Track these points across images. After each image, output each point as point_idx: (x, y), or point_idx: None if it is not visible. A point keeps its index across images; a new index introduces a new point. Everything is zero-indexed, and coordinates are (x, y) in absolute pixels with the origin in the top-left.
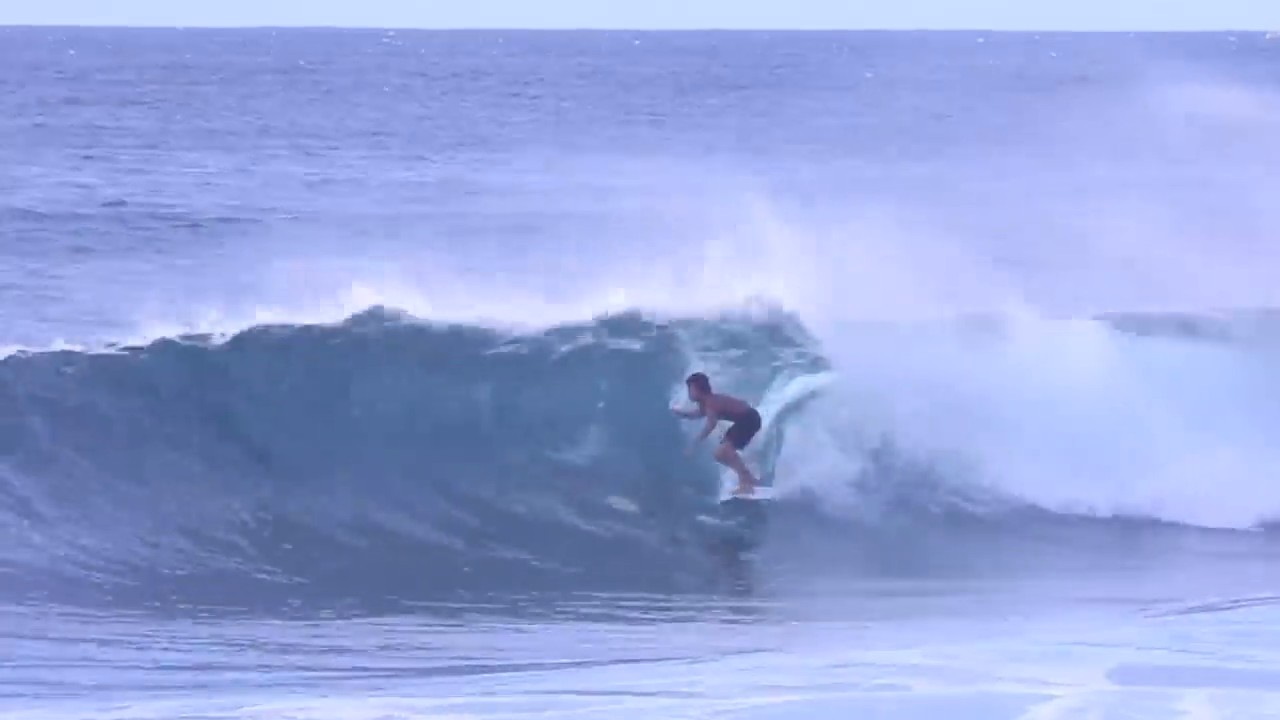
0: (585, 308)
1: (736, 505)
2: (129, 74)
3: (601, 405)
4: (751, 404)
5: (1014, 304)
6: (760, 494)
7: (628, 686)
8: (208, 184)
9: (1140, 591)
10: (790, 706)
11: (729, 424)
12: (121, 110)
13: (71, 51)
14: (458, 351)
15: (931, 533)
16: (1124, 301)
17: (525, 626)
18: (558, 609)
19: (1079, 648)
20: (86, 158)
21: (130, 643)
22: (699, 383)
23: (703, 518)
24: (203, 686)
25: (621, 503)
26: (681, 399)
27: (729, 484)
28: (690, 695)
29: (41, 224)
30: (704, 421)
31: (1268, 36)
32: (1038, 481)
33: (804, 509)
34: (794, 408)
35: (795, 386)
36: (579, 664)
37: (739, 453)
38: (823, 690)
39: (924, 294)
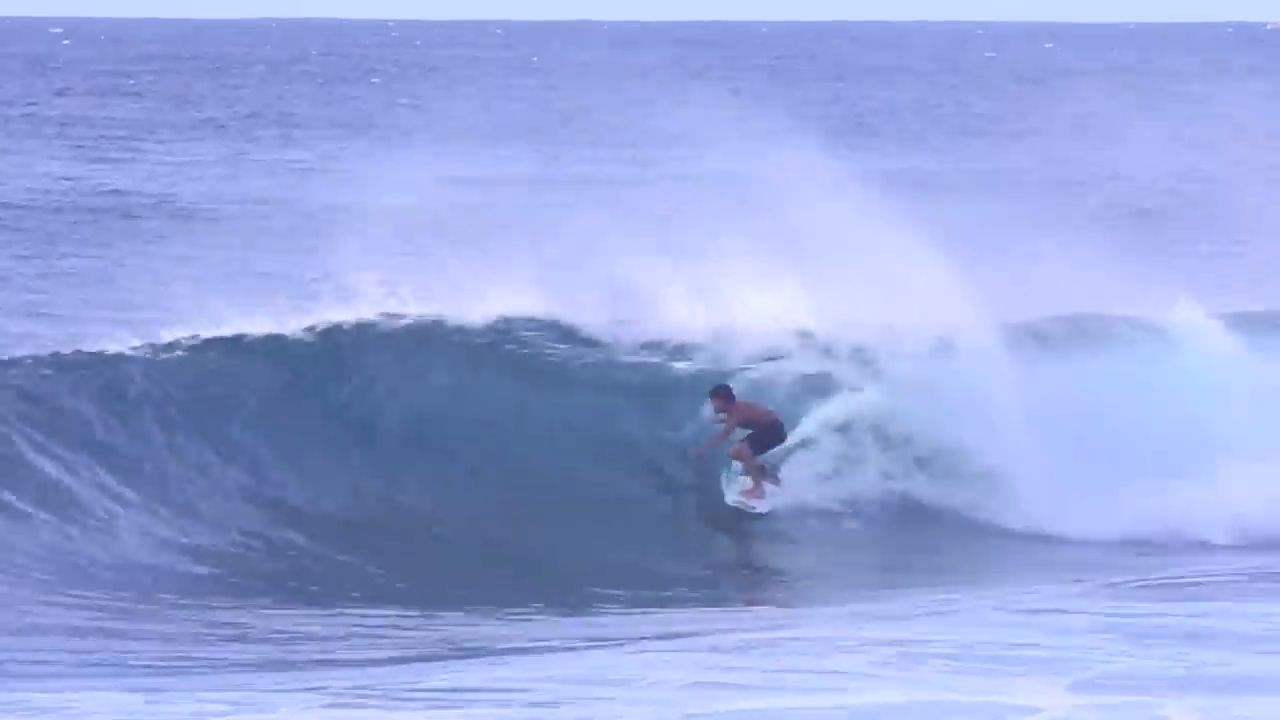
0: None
1: (738, 510)
2: (124, 65)
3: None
4: (778, 415)
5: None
6: (764, 506)
7: (586, 675)
8: (200, 176)
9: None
10: (774, 713)
11: (747, 431)
12: (114, 101)
13: (66, 42)
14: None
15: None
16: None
17: (504, 616)
18: (539, 600)
19: (1030, 650)
20: (77, 147)
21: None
22: (722, 394)
23: (709, 516)
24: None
25: (624, 499)
26: (708, 412)
27: (739, 486)
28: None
29: (30, 215)
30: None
31: (1268, 27)
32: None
33: (806, 513)
34: (836, 422)
35: (840, 402)
36: (550, 651)
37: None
38: (781, 694)
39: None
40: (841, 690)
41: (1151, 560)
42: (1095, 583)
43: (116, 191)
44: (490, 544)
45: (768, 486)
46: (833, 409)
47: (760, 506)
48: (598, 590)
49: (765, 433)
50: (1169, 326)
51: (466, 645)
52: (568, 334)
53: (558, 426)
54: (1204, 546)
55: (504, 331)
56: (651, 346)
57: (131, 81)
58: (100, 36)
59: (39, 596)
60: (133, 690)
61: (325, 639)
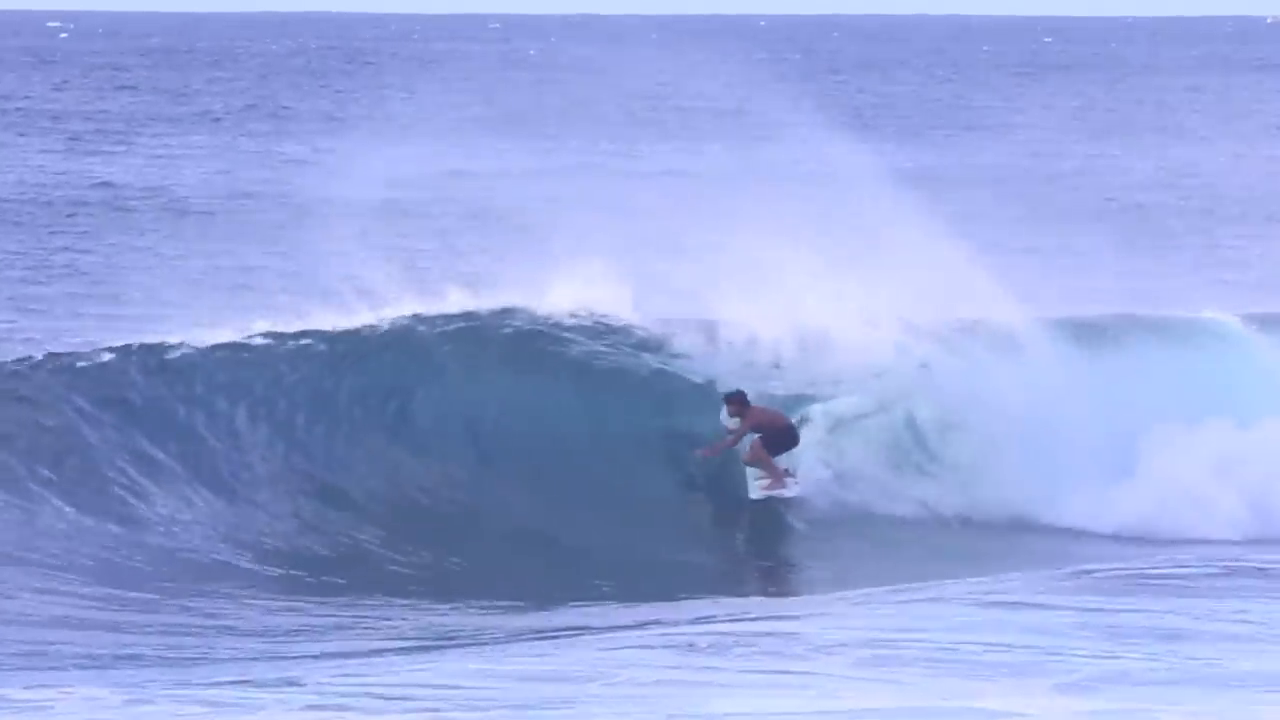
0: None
1: (766, 502)
2: (121, 58)
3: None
4: (792, 420)
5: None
6: (790, 491)
7: (562, 671)
8: (197, 169)
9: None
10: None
11: (757, 435)
12: (110, 94)
13: (64, 35)
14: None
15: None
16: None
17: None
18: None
19: (1010, 652)
20: (72, 140)
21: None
22: (737, 400)
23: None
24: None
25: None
26: (724, 417)
27: (759, 482)
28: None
29: (22, 208)
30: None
31: (1269, 21)
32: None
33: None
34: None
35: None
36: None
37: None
38: (761, 696)
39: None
40: (819, 692)
41: (1118, 550)
42: (1064, 573)
43: (109, 184)
44: (495, 533)
45: (789, 479)
46: (837, 406)
47: (789, 491)
48: (593, 581)
49: (778, 436)
50: (1202, 326)
51: (451, 635)
52: (615, 331)
53: (594, 424)
54: (1169, 538)
55: (553, 328)
56: (737, 349)
57: (128, 75)
58: (98, 30)
59: (34, 583)
60: (116, 685)
61: (316, 630)
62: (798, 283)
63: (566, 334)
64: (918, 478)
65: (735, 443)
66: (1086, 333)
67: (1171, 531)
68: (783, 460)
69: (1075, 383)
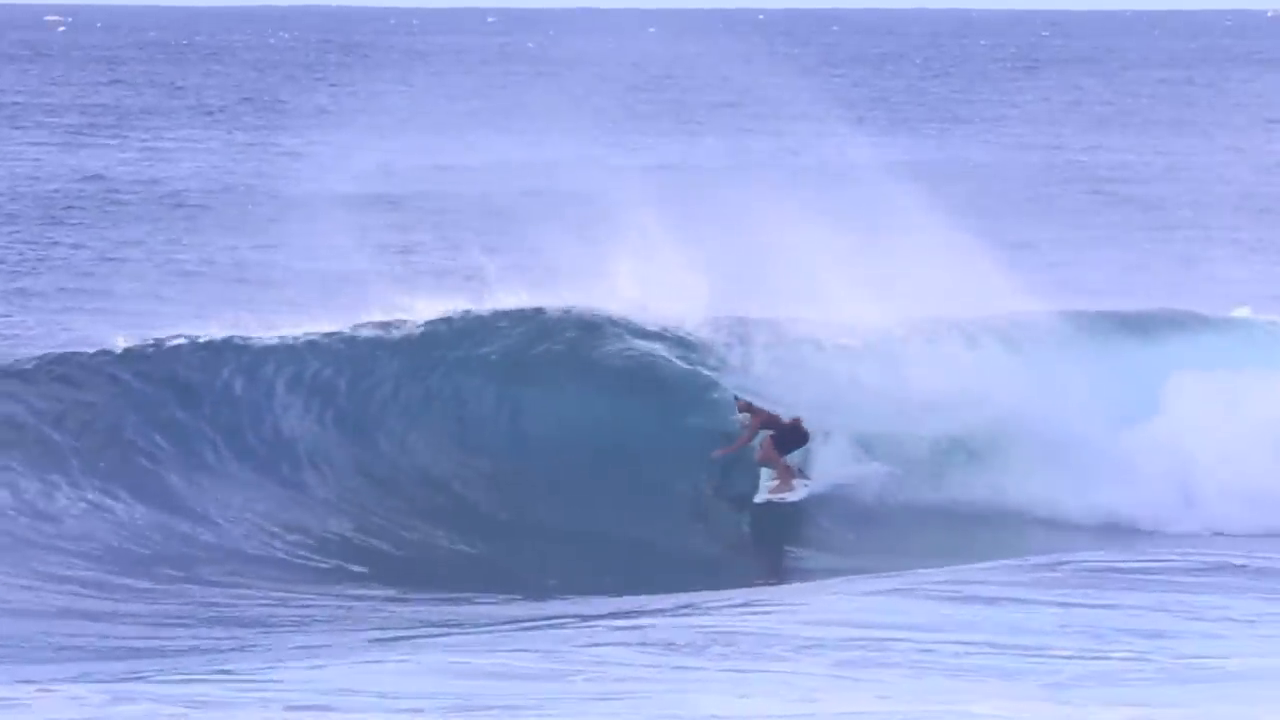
0: None
1: (769, 505)
2: (118, 52)
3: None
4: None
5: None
6: (795, 495)
7: (540, 669)
8: (192, 162)
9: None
10: None
11: (768, 433)
12: (106, 89)
13: (61, 29)
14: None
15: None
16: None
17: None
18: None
19: (994, 653)
20: (71, 132)
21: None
22: (746, 398)
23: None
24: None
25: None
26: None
27: (767, 484)
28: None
29: (17, 202)
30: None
31: (1269, 14)
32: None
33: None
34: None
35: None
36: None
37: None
38: (746, 698)
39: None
40: (800, 694)
41: (1091, 541)
42: (1036, 564)
43: (103, 177)
44: (500, 527)
45: (798, 481)
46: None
47: (792, 496)
48: (589, 574)
49: (788, 434)
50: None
51: (444, 626)
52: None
53: (618, 422)
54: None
55: (593, 327)
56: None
57: (124, 68)
58: (96, 23)
59: (37, 567)
60: (99, 681)
61: (304, 621)
62: (835, 280)
63: (578, 328)
64: (948, 473)
65: (748, 441)
66: (1126, 327)
67: (1237, 529)
68: (794, 458)
69: (1124, 382)
